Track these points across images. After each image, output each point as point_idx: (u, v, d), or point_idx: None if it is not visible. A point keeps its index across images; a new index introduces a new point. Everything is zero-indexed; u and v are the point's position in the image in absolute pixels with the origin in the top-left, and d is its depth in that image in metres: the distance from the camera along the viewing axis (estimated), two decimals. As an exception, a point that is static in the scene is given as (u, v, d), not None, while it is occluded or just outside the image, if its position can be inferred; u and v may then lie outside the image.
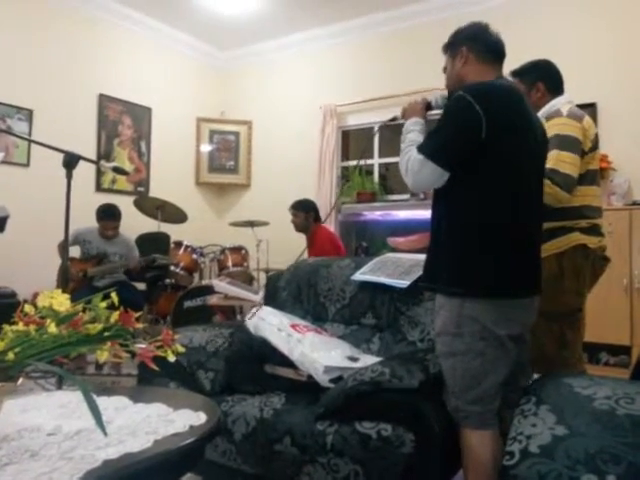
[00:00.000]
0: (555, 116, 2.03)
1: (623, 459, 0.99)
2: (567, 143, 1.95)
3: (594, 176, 2.09)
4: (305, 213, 4.36)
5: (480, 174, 1.49)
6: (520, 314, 1.54)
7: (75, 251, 4.11)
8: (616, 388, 1.18)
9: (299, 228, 4.40)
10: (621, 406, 1.11)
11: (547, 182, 1.85)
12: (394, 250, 3.86)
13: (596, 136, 2.08)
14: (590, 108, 3.83)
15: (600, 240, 2.05)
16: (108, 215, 4.06)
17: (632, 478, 0.95)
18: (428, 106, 1.78)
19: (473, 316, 1.48)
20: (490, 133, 1.44)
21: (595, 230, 2.04)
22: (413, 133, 1.66)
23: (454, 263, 1.53)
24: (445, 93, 1.77)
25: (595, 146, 2.07)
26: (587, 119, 2.05)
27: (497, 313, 1.48)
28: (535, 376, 1.64)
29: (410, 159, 1.55)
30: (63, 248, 2.21)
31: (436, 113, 1.69)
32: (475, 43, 1.65)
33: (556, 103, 2.09)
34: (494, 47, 1.66)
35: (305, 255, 4.44)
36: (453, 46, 1.70)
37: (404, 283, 2.08)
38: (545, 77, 2.14)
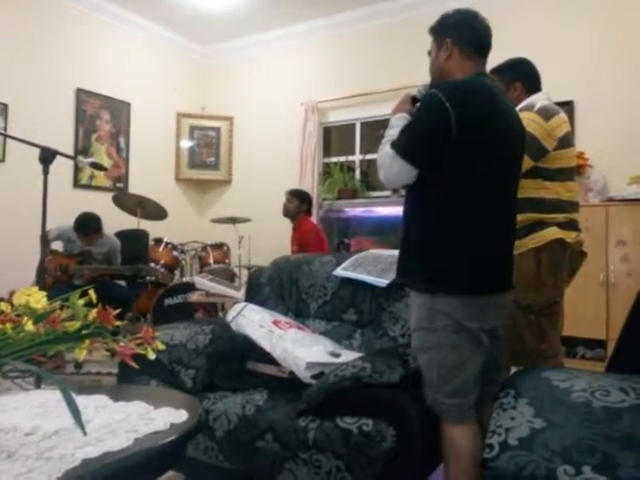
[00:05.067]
0: (526, 109, 2.04)
1: (598, 450, 1.01)
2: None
3: (570, 172, 2.12)
4: (299, 201, 4.51)
5: (451, 172, 1.50)
6: (491, 310, 1.55)
7: (59, 245, 4.03)
8: (592, 381, 1.21)
9: (288, 213, 4.53)
10: (597, 398, 1.13)
11: None
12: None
13: (566, 134, 2.08)
14: (567, 106, 3.90)
15: (577, 235, 2.08)
16: (81, 229, 3.89)
17: (606, 468, 0.98)
18: (414, 99, 1.76)
19: (444, 311, 1.49)
20: (460, 132, 1.44)
21: (572, 225, 2.08)
22: (394, 129, 1.65)
23: (424, 260, 1.54)
24: (428, 82, 1.75)
25: (566, 144, 2.08)
26: (558, 117, 2.06)
27: (467, 309, 1.50)
28: (515, 370, 1.66)
29: (383, 154, 1.56)
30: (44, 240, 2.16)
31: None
32: (461, 36, 1.61)
33: (535, 99, 2.11)
34: (479, 42, 1.63)
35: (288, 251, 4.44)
36: (438, 33, 1.66)
37: (383, 282, 2.09)
38: (523, 76, 2.16)
